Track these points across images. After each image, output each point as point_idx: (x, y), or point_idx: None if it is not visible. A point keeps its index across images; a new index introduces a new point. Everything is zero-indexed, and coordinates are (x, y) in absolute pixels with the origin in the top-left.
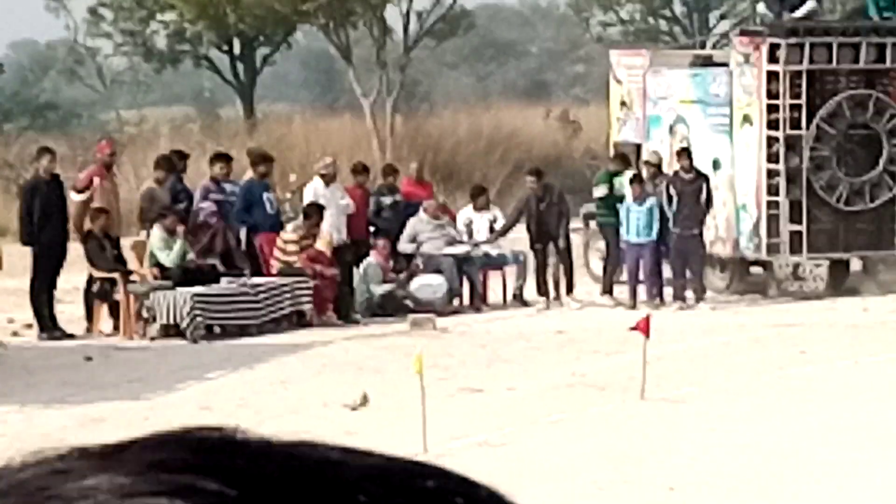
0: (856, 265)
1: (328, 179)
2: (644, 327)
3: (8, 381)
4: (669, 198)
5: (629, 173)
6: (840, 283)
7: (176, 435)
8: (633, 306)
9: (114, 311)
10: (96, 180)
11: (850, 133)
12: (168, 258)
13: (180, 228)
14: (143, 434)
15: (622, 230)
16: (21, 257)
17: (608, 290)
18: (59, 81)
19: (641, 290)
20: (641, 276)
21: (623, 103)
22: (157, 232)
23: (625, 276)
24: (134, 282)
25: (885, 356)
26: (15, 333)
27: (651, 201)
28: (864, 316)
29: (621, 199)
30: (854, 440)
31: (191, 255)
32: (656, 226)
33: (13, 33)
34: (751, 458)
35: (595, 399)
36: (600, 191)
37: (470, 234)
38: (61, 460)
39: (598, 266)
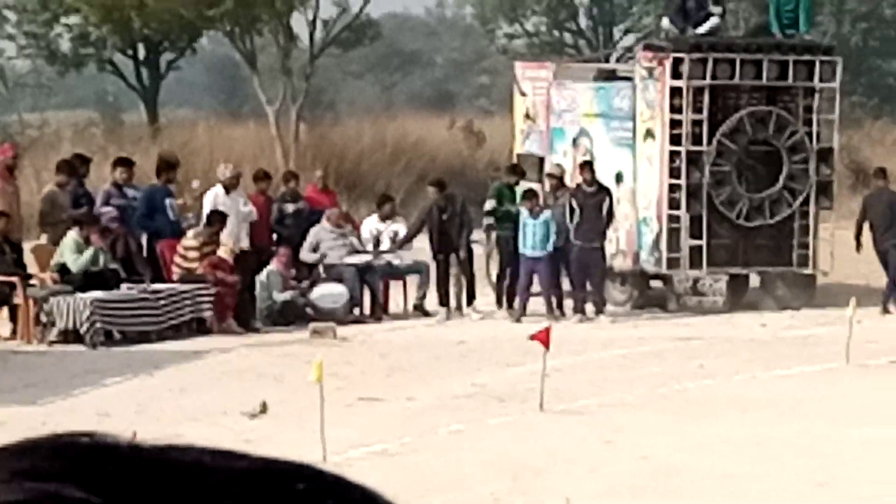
0: (754, 281)
1: (229, 184)
2: (544, 339)
3: None
4: (571, 210)
5: (525, 184)
6: (739, 298)
7: (44, 441)
8: (520, 317)
9: (12, 316)
10: (1, 181)
11: (750, 149)
12: (75, 262)
13: (95, 237)
14: (9, 442)
15: (520, 244)
16: None
17: (503, 302)
18: None
19: (536, 302)
20: (536, 289)
21: (527, 115)
22: (72, 234)
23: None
24: (33, 286)
25: (781, 371)
26: None
27: (546, 215)
28: (761, 331)
29: (514, 212)
30: (750, 454)
31: (104, 259)
32: (552, 239)
33: None
34: (648, 471)
35: (494, 410)
36: (488, 204)
37: (376, 245)
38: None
39: None
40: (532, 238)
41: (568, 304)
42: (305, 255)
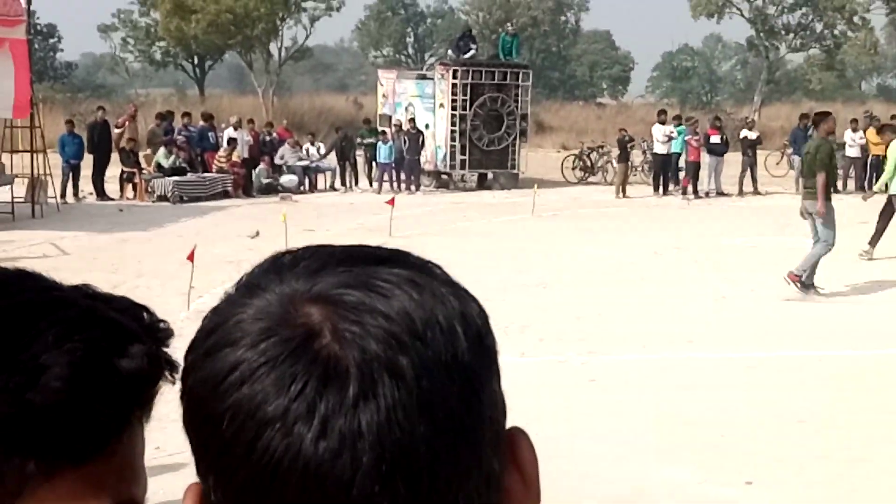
0: (490, 176)
1: (236, 126)
2: (392, 202)
3: (79, 220)
4: (404, 141)
5: (381, 130)
6: (482, 183)
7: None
8: (379, 192)
9: (134, 188)
10: (128, 122)
11: (489, 113)
12: (166, 162)
13: (176, 150)
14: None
15: (377, 156)
16: (88, 159)
17: (372, 184)
18: (106, 74)
19: (386, 186)
20: (386, 178)
21: (384, 95)
22: (163, 150)
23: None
24: (144, 173)
25: (504, 218)
26: (84, 197)
27: (390, 143)
28: (493, 200)
29: (374, 142)
30: (486, 256)
31: (179, 162)
32: (394, 155)
33: (83, 48)
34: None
35: (368, 235)
36: (361, 136)
37: (310, 156)
38: (299, 252)
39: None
40: (383, 153)
41: (402, 186)
42: (276, 160)
